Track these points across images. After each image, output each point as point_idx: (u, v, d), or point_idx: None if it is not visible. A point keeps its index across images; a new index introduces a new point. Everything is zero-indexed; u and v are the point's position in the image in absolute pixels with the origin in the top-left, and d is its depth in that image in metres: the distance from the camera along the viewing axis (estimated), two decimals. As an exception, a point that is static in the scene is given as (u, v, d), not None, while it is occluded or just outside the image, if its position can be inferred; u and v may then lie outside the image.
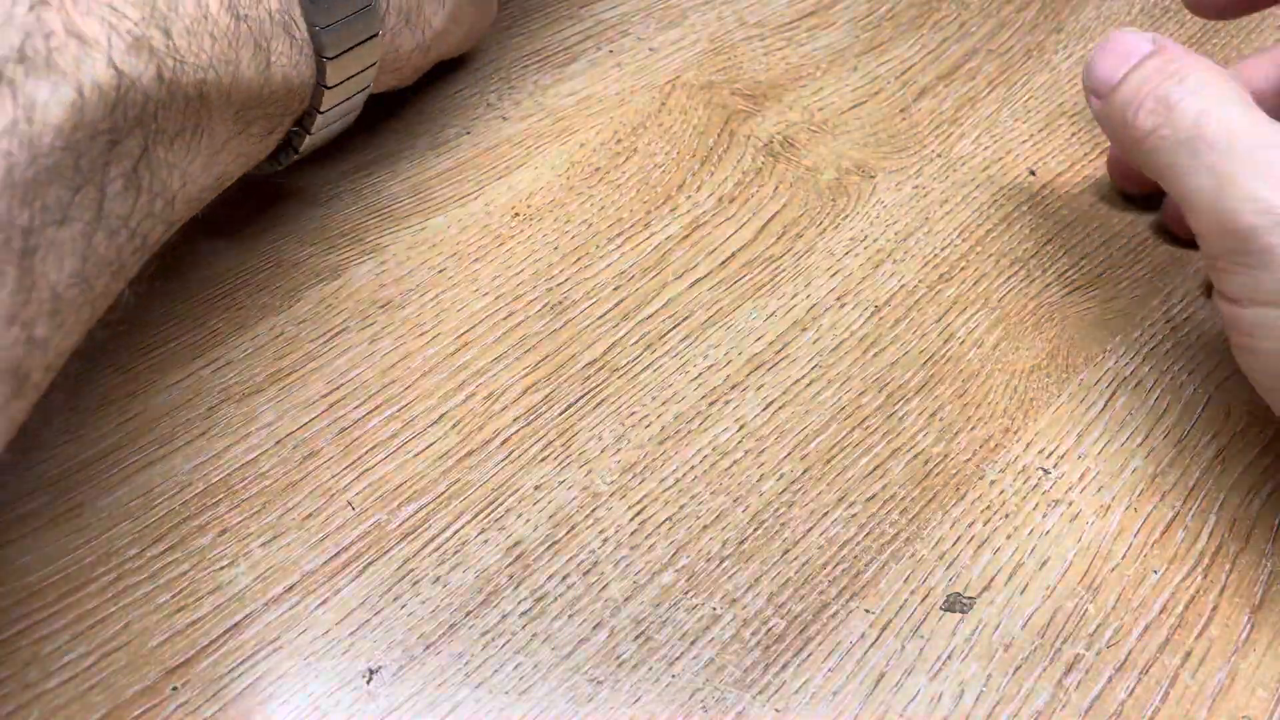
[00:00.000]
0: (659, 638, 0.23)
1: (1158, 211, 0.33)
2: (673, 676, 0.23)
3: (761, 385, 0.28)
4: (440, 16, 0.31)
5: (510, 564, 0.24)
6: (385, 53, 0.29)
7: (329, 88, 0.27)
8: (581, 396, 0.28)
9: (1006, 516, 0.26)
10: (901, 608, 0.24)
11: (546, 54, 0.37)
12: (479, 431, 0.27)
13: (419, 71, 0.33)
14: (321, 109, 0.27)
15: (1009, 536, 0.25)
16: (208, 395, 0.27)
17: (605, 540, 0.25)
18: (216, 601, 0.23)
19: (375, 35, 0.28)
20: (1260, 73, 0.30)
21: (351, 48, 0.27)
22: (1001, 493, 0.26)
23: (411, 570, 0.24)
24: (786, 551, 0.25)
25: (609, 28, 0.38)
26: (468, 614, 0.24)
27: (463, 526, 0.25)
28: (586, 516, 0.25)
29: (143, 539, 0.24)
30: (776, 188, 0.33)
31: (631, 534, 0.25)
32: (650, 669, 0.23)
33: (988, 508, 0.26)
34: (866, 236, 0.32)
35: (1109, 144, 0.34)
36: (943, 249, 0.32)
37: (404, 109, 0.35)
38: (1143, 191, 0.33)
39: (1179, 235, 0.32)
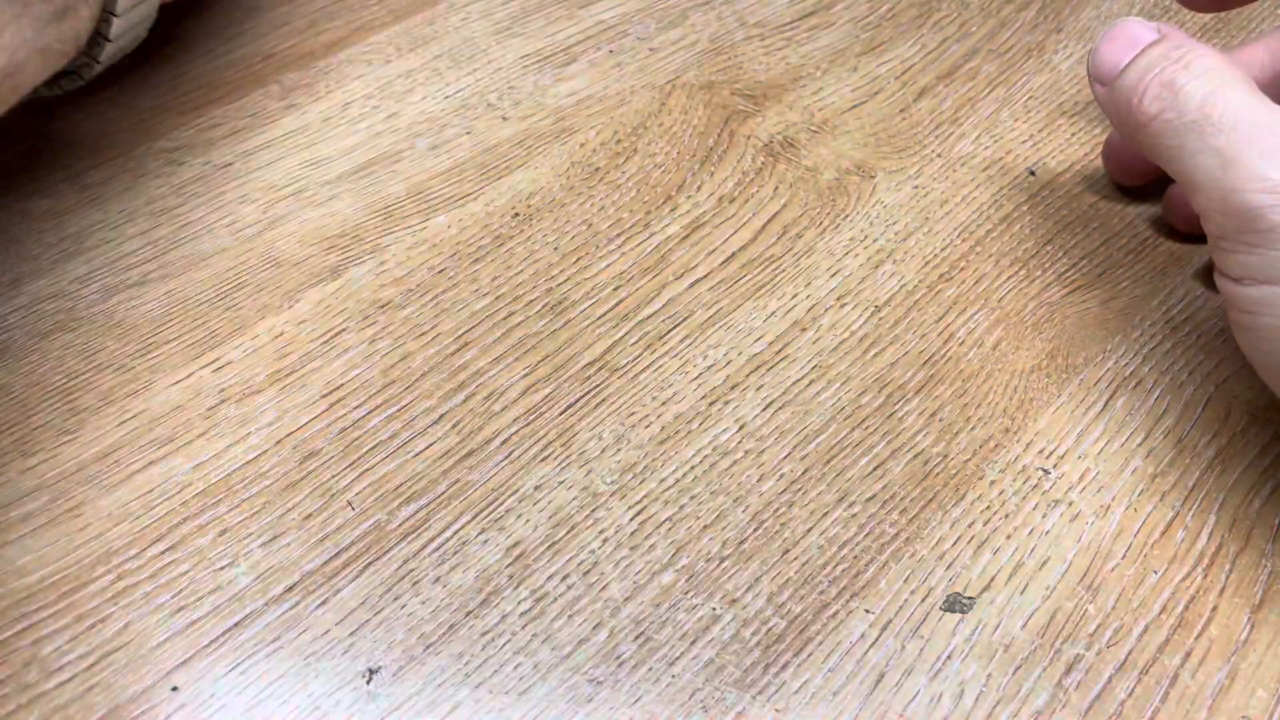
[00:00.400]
0: (659, 638, 0.23)
1: (1157, 208, 0.33)
2: (673, 676, 0.23)
3: (761, 385, 0.28)
4: None
5: (510, 564, 0.24)
6: None
7: None
8: (581, 396, 0.28)
9: (1006, 516, 0.26)
10: (901, 608, 0.24)
11: (546, 54, 0.37)
12: (479, 431, 0.27)
13: None
14: (116, 11, 0.26)
15: (1009, 536, 0.25)
16: (208, 395, 0.27)
17: (605, 540, 0.25)
18: (216, 601, 0.23)
19: None
20: (1255, 60, 0.30)
21: None
22: (1001, 493, 0.26)
23: (411, 570, 0.24)
24: (786, 551, 0.25)
25: (609, 28, 0.38)
26: (468, 614, 0.24)
27: (463, 526, 0.25)
28: (586, 516, 0.25)
29: (143, 539, 0.24)
30: (776, 188, 0.33)
31: (631, 534, 0.25)
32: (650, 669, 0.23)
33: (988, 508, 0.26)
34: (866, 236, 0.32)
35: (1103, 139, 0.34)
36: (943, 249, 0.32)
37: (404, 109, 0.35)
38: (1137, 183, 0.33)
39: (1178, 227, 0.32)
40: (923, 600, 0.24)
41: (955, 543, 0.25)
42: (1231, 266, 0.24)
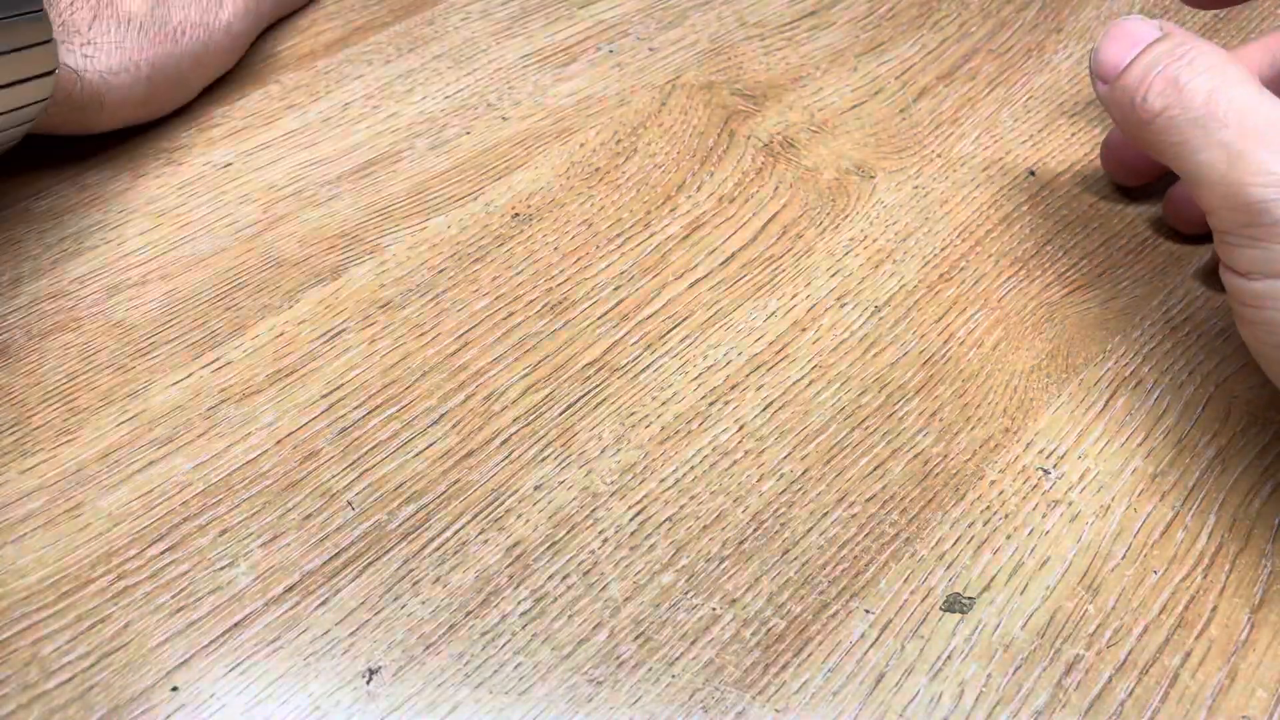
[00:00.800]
0: (659, 638, 0.23)
1: (1157, 208, 0.33)
2: (673, 677, 0.23)
3: (761, 385, 0.28)
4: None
5: (510, 564, 0.24)
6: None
7: None
8: (581, 396, 0.28)
9: (1006, 517, 0.26)
10: (901, 608, 0.24)
11: (546, 54, 0.37)
12: (479, 431, 0.27)
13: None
14: None
15: (1009, 537, 0.25)
16: (208, 395, 0.27)
17: (605, 540, 0.25)
18: (216, 601, 0.23)
19: (48, 42, 0.25)
20: (1253, 60, 0.30)
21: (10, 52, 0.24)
22: (1001, 493, 0.26)
23: (411, 570, 0.24)
24: (786, 551, 0.25)
25: (609, 28, 0.38)
26: (468, 614, 0.24)
27: (463, 526, 0.25)
28: (586, 516, 0.25)
29: (143, 539, 0.24)
30: (776, 188, 0.33)
31: (631, 534, 0.25)
32: (650, 669, 0.23)
33: (988, 508, 0.26)
34: (866, 236, 0.32)
35: (1103, 139, 0.34)
36: (943, 249, 0.32)
37: (404, 109, 0.35)
38: (1136, 183, 0.33)
39: (1179, 227, 0.32)
40: (923, 600, 0.24)
41: (955, 543, 0.25)
42: (1237, 261, 0.24)
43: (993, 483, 0.26)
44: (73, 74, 0.29)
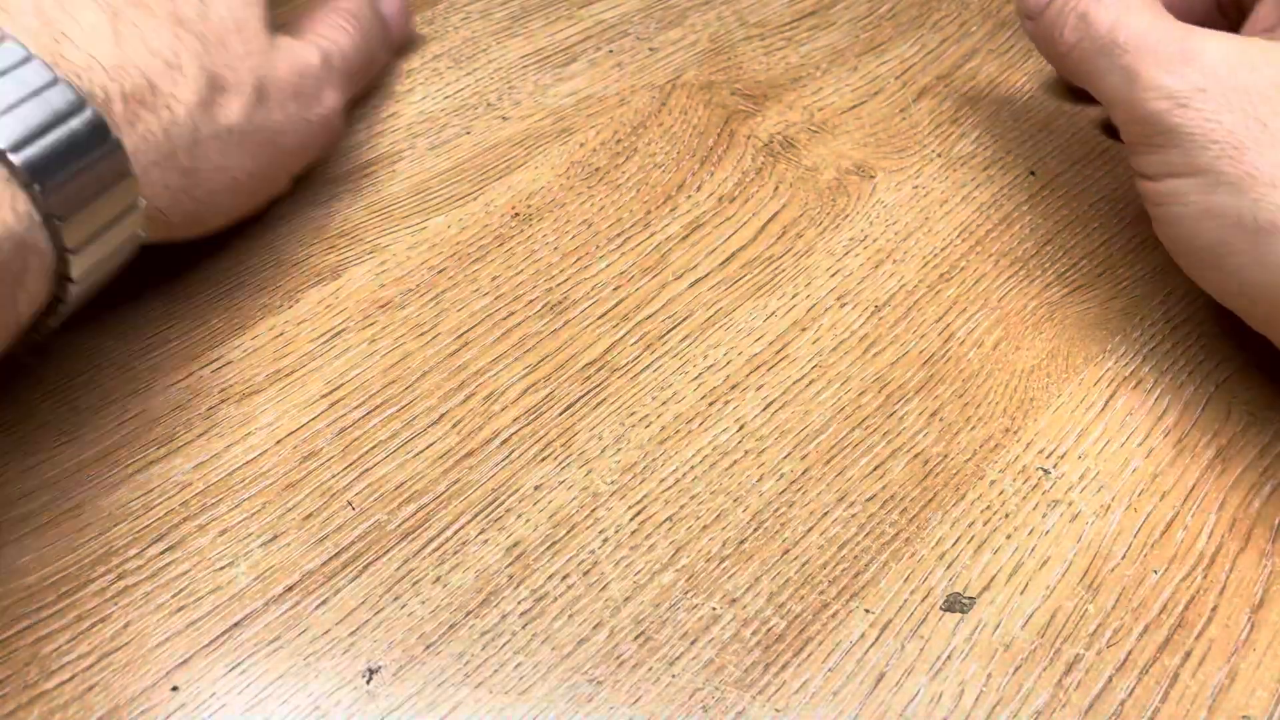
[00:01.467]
0: (659, 638, 0.23)
1: (1158, 211, 0.33)
2: (673, 676, 0.23)
3: (761, 385, 0.28)
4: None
5: (510, 564, 0.24)
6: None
7: (73, 252, 0.22)
8: (581, 396, 0.28)
9: (1006, 516, 0.26)
10: (901, 608, 0.24)
11: (546, 54, 0.37)
12: (479, 431, 0.27)
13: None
14: (72, 276, 0.22)
15: (1009, 536, 0.25)
16: (208, 395, 0.27)
17: (605, 540, 0.25)
18: (216, 601, 0.23)
19: (126, 177, 0.22)
20: None
21: (92, 199, 0.22)
22: (1001, 493, 0.26)
23: (411, 570, 0.24)
24: (786, 551, 0.25)
25: (609, 28, 0.38)
26: (468, 614, 0.24)
27: (463, 526, 0.25)
28: (586, 516, 0.25)
29: (143, 539, 0.24)
30: (776, 188, 0.33)
31: (631, 534, 0.25)
32: (650, 669, 0.23)
33: (988, 508, 0.26)
34: (866, 236, 0.32)
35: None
36: (943, 249, 0.32)
37: (404, 109, 0.35)
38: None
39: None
40: (923, 600, 0.24)
41: (955, 543, 0.25)
42: (1145, 167, 0.27)
43: (993, 483, 0.26)
44: (162, 214, 0.25)
